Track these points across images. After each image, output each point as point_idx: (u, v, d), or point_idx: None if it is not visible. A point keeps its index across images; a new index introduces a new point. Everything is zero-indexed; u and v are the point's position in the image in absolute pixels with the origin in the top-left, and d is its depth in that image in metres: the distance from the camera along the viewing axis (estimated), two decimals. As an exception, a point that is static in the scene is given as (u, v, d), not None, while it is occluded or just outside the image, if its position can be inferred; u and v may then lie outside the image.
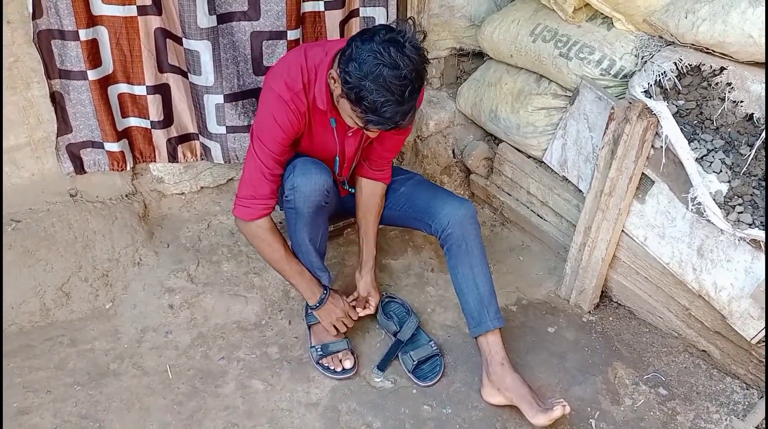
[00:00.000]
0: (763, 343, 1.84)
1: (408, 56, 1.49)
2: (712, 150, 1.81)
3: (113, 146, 2.15)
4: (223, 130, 2.20)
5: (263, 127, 1.78)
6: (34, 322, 2.09)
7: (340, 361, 1.97)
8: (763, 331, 1.78)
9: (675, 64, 1.85)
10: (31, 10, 1.85)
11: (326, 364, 1.97)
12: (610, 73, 2.04)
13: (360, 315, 2.07)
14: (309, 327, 2.08)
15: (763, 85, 1.75)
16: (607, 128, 1.95)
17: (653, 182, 1.93)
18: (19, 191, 2.13)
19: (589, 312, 2.25)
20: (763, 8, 1.68)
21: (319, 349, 2.00)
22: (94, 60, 1.99)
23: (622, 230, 2.07)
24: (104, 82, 2.05)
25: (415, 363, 1.99)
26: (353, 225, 2.30)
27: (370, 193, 2.04)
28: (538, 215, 2.43)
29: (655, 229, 1.97)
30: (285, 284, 2.23)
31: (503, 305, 2.27)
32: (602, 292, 2.26)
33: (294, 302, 2.20)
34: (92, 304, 2.16)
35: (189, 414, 1.88)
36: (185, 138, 2.28)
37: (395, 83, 1.48)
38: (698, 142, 1.81)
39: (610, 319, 2.24)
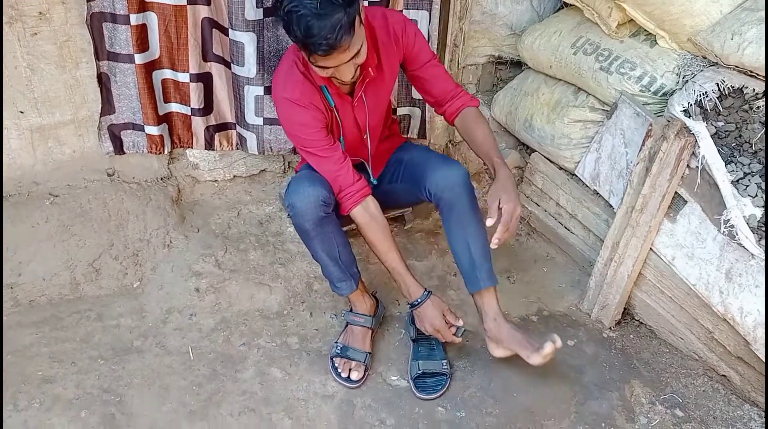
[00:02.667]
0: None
1: None
2: (749, 173, 1.79)
3: (153, 130, 2.21)
4: (260, 121, 2.24)
5: (296, 133, 1.83)
6: (64, 295, 2.15)
7: (350, 369, 1.97)
8: (788, 360, 1.76)
9: (717, 85, 1.84)
10: (86, -8, 1.91)
11: (337, 365, 1.99)
12: (650, 90, 2.03)
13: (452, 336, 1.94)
14: (347, 324, 2.07)
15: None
16: (643, 145, 1.94)
17: (686, 202, 1.92)
18: (60, 167, 2.19)
19: (610, 328, 2.24)
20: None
21: (339, 348, 2.02)
22: (142, 45, 2.05)
23: (651, 248, 2.06)
24: (150, 67, 2.10)
25: (420, 372, 1.97)
26: (394, 218, 2.33)
27: (464, 125, 1.94)
28: (565, 227, 2.43)
29: (684, 249, 1.96)
30: (309, 276, 2.26)
31: (523, 315, 2.27)
32: (625, 309, 2.24)
33: (316, 295, 2.23)
34: (121, 282, 2.21)
35: (207, 396, 1.91)
36: (223, 127, 2.32)
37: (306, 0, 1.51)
38: (735, 164, 1.80)
39: (631, 336, 2.22)
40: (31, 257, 2.11)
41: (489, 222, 1.72)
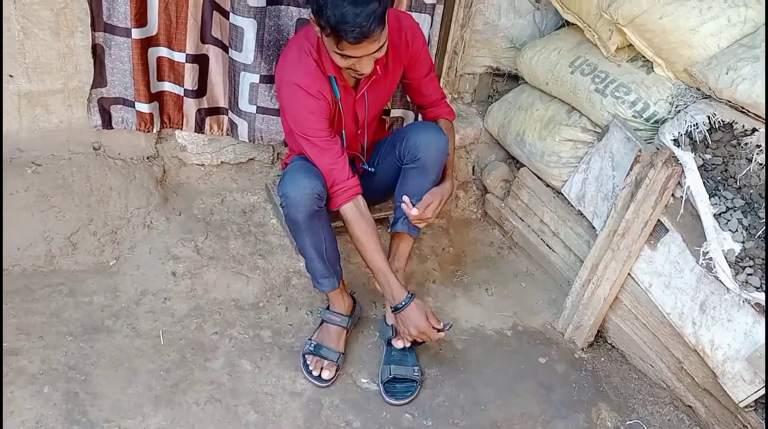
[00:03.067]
0: (750, 408, 1.84)
1: None
2: (732, 208, 1.82)
3: (144, 107, 2.17)
4: (253, 109, 2.22)
5: (301, 119, 1.82)
6: (38, 267, 2.11)
7: (322, 368, 1.95)
8: (753, 395, 1.78)
9: (708, 117, 1.86)
10: (88, -38, 1.88)
11: (308, 362, 1.97)
12: (642, 116, 2.05)
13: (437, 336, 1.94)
14: (322, 322, 2.06)
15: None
16: (631, 170, 1.96)
17: (667, 231, 1.94)
18: (45, 136, 2.15)
19: (583, 349, 2.25)
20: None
21: (313, 345, 2.00)
22: (140, 19, 2.02)
23: (629, 273, 2.08)
24: (146, 43, 2.07)
25: (390, 377, 1.97)
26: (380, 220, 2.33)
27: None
28: (547, 245, 2.44)
29: (661, 277, 1.98)
30: (288, 270, 2.25)
31: (498, 328, 2.28)
32: (598, 331, 2.26)
33: (294, 290, 2.21)
34: (97, 259, 2.18)
35: (174, 382, 1.89)
36: (215, 111, 2.30)
37: None
38: (719, 198, 1.82)
39: (602, 359, 2.24)
40: (7, 225, 2.06)
41: (413, 211, 1.92)
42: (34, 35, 1.96)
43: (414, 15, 2.27)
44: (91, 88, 2.10)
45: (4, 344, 1.88)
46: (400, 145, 1.97)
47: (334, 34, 1.59)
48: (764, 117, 1.78)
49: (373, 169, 2.09)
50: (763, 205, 1.80)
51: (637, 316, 2.11)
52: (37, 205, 2.10)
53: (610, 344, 2.27)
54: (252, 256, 2.26)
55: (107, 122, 2.19)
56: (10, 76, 2.00)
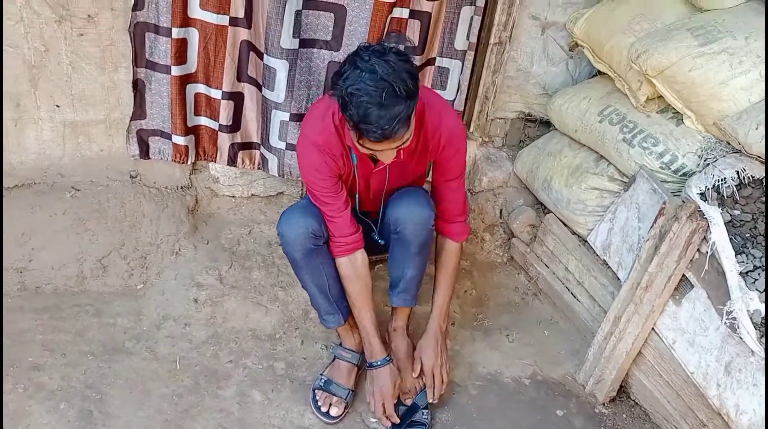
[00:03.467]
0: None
1: (387, 61, 1.52)
2: (760, 267, 1.74)
3: (180, 139, 2.27)
4: (283, 145, 2.29)
5: (306, 173, 1.85)
6: (69, 287, 2.20)
7: (330, 404, 1.95)
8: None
9: (737, 172, 1.81)
10: (133, 2, 2.00)
11: (318, 398, 1.97)
12: (670, 168, 2.00)
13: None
14: (334, 358, 2.07)
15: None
16: (655, 222, 1.91)
17: (692, 286, 1.87)
18: (86, 163, 2.27)
19: (604, 404, 2.17)
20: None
21: (323, 381, 2.01)
22: (180, 58, 2.12)
23: (653, 328, 2.01)
24: (185, 80, 2.18)
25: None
26: (385, 261, 2.32)
27: (440, 248, 2.05)
28: (572, 294, 2.39)
29: (686, 334, 1.90)
30: (307, 304, 2.27)
31: (516, 376, 2.23)
32: (621, 386, 2.18)
33: (311, 324, 2.23)
34: (125, 282, 2.26)
35: (185, 408, 1.92)
36: (247, 146, 2.37)
37: (371, 86, 1.50)
38: (746, 256, 1.75)
39: (624, 416, 2.15)
40: (43, 245, 2.18)
41: (429, 398, 2.00)
42: (81, 69, 2.09)
43: (444, 60, 2.33)
44: (131, 120, 2.22)
45: (29, 359, 1.96)
46: (388, 213, 1.95)
47: (356, 130, 1.58)
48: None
49: (382, 241, 2.07)
50: (794, 265, 1.72)
51: (661, 373, 2.03)
52: (73, 227, 2.20)
53: (633, 400, 2.18)
54: (273, 288, 2.29)
55: (145, 152, 2.30)
56: (57, 106, 2.13)
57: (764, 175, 1.77)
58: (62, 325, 2.09)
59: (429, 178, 2.07)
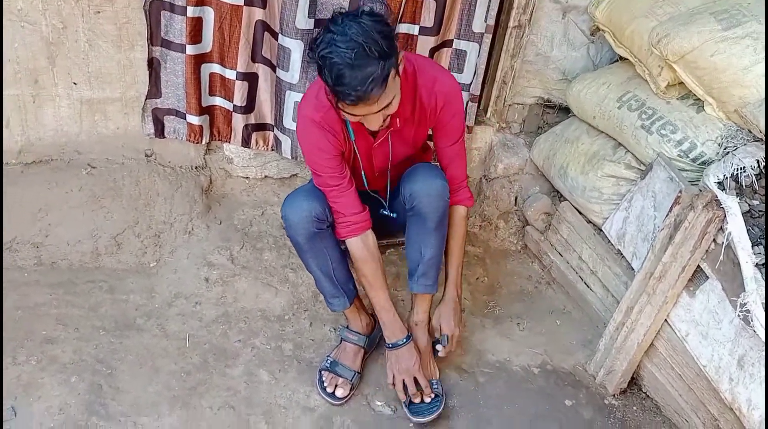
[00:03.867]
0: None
1: (359, 22, 1.51)
2: (777, 259, 1.69)
3: (194, 119, 2.28)
4: (295, 126, 2.27)
5: (308, 154, 1.84)
6: (84, 263, 2.23)
7: (336, 385, 1.96)
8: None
9: (758, 161, 1.75)
10: (149, -20, 2.00)
11: (323, 378, 1.98)
12: (688, 156, 1.95)
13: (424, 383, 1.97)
14: (342, 340, 2.07)
15: None
16: (670, 211, 1.86)
17: (707, 278, 1.82)
18: (102, 140, 2.29)
19: (614, 395, 2.14)
20: None
21: (329, 362, 2.02)
22: (195, 37, 2.12)
23: (666, 320, 1.97)
24: (199, 59, 2.18)
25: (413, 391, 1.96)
26: (397, 245, 2.31)
27: (450, 215, 1.99)
28: (585, 283, 2.35)
29: (699, 326, 1.86)
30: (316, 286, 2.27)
31: (526, 365, 2.21)
32: (632, 378, 2.14)
33: (320, 306, 2.23)
34: (138, 260, 2.28)
35: (193, 385, 1.94)
36: (261, 127, 2.37)
37: (342, 48, 1.48)
38: (763, 247, 1.70)
39: (634, 408, 2.12)
40: (59, 221, 2.21)
41: (439, 348, 2.00)
42: (98, 47, 2.11)
43: (462, 42, 2.29)
44: (146, 99, 2.23)
45: (42, 332, 2.00)
46: (402, 189, 1.92)
47: (333, 93, 1.57)
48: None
49: (394, 214, 2.04)
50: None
51: (673, 365, 1.99)
52: (89, 204, 2.23)
53: (645, 393, 2.15)
54: (283, 269, 2.30)
55: (160, 131, 2.31)
56: (74, 83, 2.15)
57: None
58: (76, 300, 2.12)
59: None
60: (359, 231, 1.87)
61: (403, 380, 1.93)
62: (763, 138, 1.79)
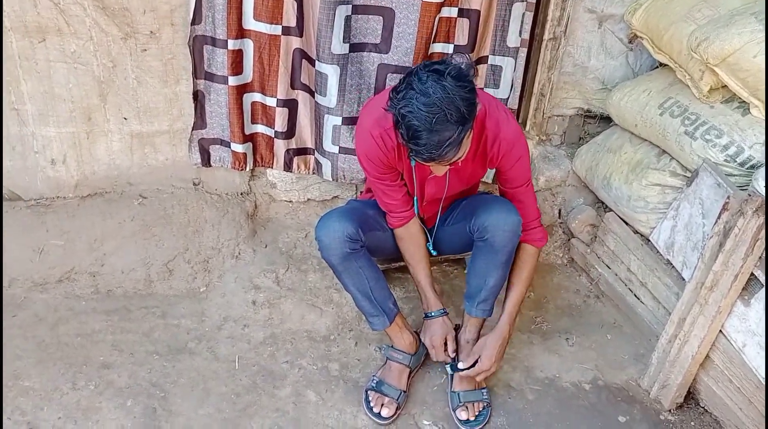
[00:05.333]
0: None
1: (443, 85, 1.50)
2: (837, 264, 1.62)
3: (238, 147, 2.35)
4: (336, 149, 2.32)
5: (359, 155, 1.89)
6: (137, 290, 2.32)
7: (382, 405, 1.96)
8: None
9: (810, 163, 1.68)
10: (191, 17, 2.09)
11: (370, 398, 1.98)
12: (735, 161, 1.90)
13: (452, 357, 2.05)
14: (387, 359, 2.08)
15: None
16: (719, 218, 1.81)
17: (762, 285, 1.76)
18: (152, 172, 2.39)
19: (670, 411, 2.07)
20: None
21: (375, 381, 2.02)
22: (237, 68, 2.20)
23: (720, 330, 1.90)
24: (241, 89, 2.26)
25: (461, 404, 1.96)
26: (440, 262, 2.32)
27: (519, 252, 2.02)
28: (635, 295, 2.29)
29: (756, 337, 1.79)
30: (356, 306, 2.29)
31: (576, 381, 2.16)
32: (689, 392, 2.07)
33: (364, 325, 2.24)
34: (189, 285, 2.35)
35: (243, 407, 1.98)
36: (302, 151, 2.43)
37: (422, 110, 1.48)
38: (821, 252, 1.63)
39: (692, 423, 2.04)
40: (114, 250, 2.30)
41: (461, 365, 2.00)
42: (146, 83, 2.21)
43: (497, 58, 2.30)
44: (192, 130, 2.31)
45: (100, 358, 2.07)
46: (471, 219, 1.94)
47: (407, 146, 1.59)
48: None
49: (435, 253, 2.13)
50: None
51: (731, 378, 1.92)
52: (141, 233, 2.32)
53: (703, 407, 2.07)
54: (328, 290, 2.33)
55: (206, 160, 2.39)
56: (125, 118, 2.26)
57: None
58: (130, 326, 2.20)
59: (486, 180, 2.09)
60: (405, 221, 2.00)
61: (441, 342, 2.02)
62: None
